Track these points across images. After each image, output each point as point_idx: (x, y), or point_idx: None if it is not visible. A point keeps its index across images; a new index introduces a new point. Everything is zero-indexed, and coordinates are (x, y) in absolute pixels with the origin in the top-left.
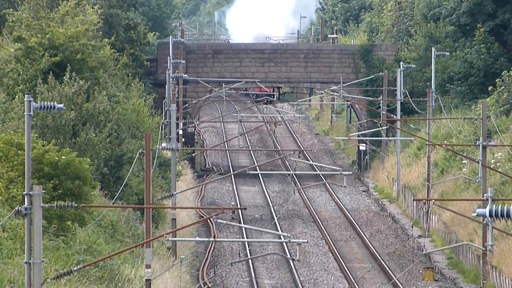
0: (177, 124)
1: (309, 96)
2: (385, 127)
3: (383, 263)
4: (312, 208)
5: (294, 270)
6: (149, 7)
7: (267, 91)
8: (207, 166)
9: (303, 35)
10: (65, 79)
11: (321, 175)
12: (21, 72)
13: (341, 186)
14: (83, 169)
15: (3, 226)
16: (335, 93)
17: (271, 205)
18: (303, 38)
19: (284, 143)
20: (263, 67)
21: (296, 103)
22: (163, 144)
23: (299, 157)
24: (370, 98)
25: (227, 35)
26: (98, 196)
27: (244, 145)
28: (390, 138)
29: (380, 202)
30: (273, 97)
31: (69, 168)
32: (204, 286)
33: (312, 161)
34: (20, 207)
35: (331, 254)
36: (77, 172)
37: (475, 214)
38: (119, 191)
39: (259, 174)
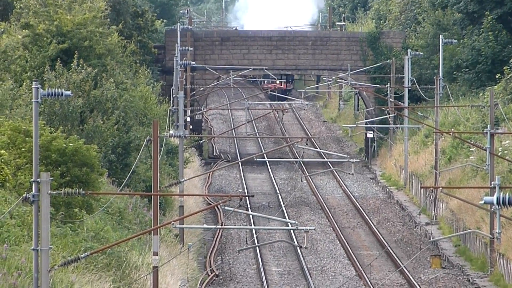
0: (185, 111)
1: (317, 84)
2: (393, 115)
3: (390, 250)
4: (319, 196)
5: (302, 258)
6: None
7: (281, 87)
8: (214, 153)
9: (311, 24)
10: (73, 66)
11: (328, 162)
12: (29, 59)
13: (349, 173)
14: (90, 156)
15: (11, 213)
16: (343, 81)
17: (278, 192)
18: (310, 26)
19: (292, 131)
20: (271, 55)
21: (303, 90)
22: (171, 131)
23: (307, 144)
24: (377, 85)
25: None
26: (105, 183)
27: (252, 132)
28: (397, 125)
29: (387, 189)
30: (288, 93)
31: (77, 155)
32: (211, 273)
33: (320, 149)
34: (27, 194)
35: (338, 242)
36: (84, 159)
37: (483, 201)
38: (127, 178)
39: (267, 162)
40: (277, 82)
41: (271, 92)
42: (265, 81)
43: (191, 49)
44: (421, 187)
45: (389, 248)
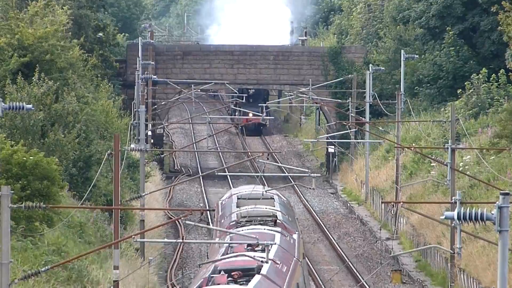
0: (146, 125)
1: (278, 98)
2: (354, 130)
3: (351, 265)
4: None
5: None
6: (119, 8)
7: (256, 121)
8: (175, 167)
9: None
10: (34, 80)
11: (289, 177)
12: None
13: (310, 188)
14: (51, 169)
15: None
16: (304, 95)
17: None
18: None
19: (253, 145)
20: (232, 69)
21: (265, 105)
22: (132, 145)
23: (268, 159)
24: (339, 100)
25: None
26: (66, 196)
27: (213, 146)
28: (358, 140)
29: (348, 204)
30: (263, 127)
31: (37, 168)
32: (172, 287)
33: (281, 163)
34: None
35: None
36: (45, 172)
37: (444, 217)
38: (87, 192)
39: (228, 176)
40: (250, 115)
41: (245, 126)
42: (236, 113)
43: (153, 63)
44: (382, 202)
45: (349, 263)
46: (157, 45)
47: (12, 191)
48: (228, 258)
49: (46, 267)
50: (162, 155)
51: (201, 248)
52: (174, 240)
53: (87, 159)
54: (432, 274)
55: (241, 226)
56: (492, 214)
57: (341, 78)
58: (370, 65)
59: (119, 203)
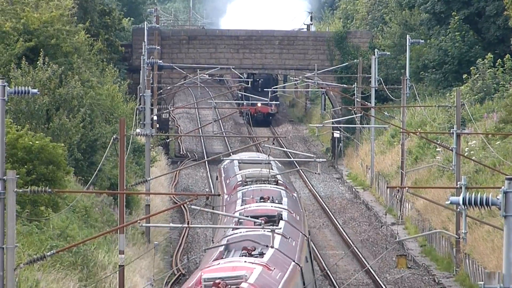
0: (152, 110)
1: (284, 83)
2: (359, 115)
3: (356, 250)
4: None
5: None
6: None
7: (265, 111)
8: (181, 152)
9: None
10: (39, 64)
11: (295, 162)
12: None
13: (315, 173)
14: (57, 154)
15: None
16: (310, 80)
17: None
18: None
19: (259, 130)
20: (238, 54)
21: (270, 89)
22: (138, 130)
23: (273, 144)
24: (344, 85)
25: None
26: (72, 181)
27: (218, 131)
28: (364, 125)
29: (353, 189)
30: (272, 118)
31: (43, 153)
32: (177, 272)
33: (286, 148)
34: None
35: None
36: (51, 157)
37: (449, 202)
38: (93, 176)
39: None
40: (259, 104)
41: (255, 114)
42: (244, 103)
43: (158, 47)
44: (387, 187)
45: (355, 248)
46: (162, 30)
47: (18, 176)
48: (252, 207)
49: (52, 251)
50: (168, 140)
51: (206, 233)
52: (180, 225)
53: (92, 143)
54: (437, 259)
55: (248, 185)
56: (498, 199)
57: (347, 63)
58: (376, 50)
59: (125, 187)
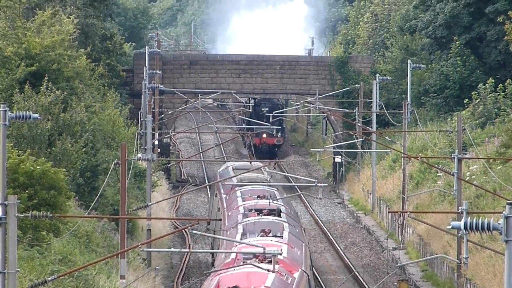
0: (153, 135)
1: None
2: (361, 139)
3: (358, 275)
4: None
5: None
6: (126, 17)
7: (271, 142)
8: (182, 177)
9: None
10: (42, 89)
11: (296, 186)
12: None
13: (316, 198)
14: (58, 179)
15: None
16: (311, 105)
17: None
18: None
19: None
20: (239, 78)
21: (271, 114)
22: (139, 155)
23: (274, 168)
24: (345, 110)
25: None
26: (73, 206)
27: (220, 156)
28: (365, 150)
29: (355, 214)
30: (277, 150)
31: (44, 178)
32: None
33: (288, 173)
34: None
35: None
36: (52, 182)
37: (450, 226)
38: (94, 201)
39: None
40: (264, 136)
41: (259, 146)
42: (249, 134)
43: (160, 72)
44: (388, 212)
45: (356, 272)
46: (164, 55)
47: (19, 201)
48: (253, 203)
49: (53, 276)
50: (169, 165)
51: (207, 258)
52: (181, 250)
53: (94, 168)
54: (439, 284)
55: (244, 186)
56: (499, 224)
57: (348, 88)
58: (377, 74)
59: (126, 212)
